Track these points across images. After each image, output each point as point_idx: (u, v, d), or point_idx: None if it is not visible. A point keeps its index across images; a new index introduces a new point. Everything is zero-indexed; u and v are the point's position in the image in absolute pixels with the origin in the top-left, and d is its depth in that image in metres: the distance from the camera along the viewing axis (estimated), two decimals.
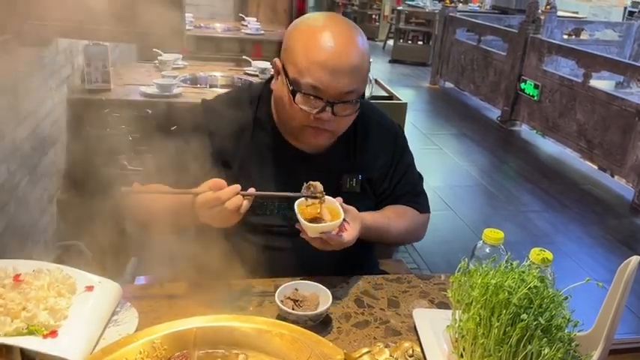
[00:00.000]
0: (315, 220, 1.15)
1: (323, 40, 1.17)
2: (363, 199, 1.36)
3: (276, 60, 1.27)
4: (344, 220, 1.16)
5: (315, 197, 1.16)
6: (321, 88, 1.16)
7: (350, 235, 1.18)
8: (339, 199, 1.19)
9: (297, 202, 1.16)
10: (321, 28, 1.19)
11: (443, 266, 3.08)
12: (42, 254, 1.12)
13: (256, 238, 1.32)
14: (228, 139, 1.29)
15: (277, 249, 1.32)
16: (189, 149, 1.28)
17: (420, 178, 1.51)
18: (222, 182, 1.10)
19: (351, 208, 1.21)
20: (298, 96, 1.18)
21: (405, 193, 1.44)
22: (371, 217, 1.30)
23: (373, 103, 1.52)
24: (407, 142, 1.48)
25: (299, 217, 1.14)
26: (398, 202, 1.43)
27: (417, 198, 1.46)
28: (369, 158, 1.38)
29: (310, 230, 1.13)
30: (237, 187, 1.10)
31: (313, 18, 1.25)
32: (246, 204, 1.10)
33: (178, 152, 1.26)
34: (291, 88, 1.19)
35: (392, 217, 1.38)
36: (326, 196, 1.18)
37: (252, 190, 1.12)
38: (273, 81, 1.29)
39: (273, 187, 1.27)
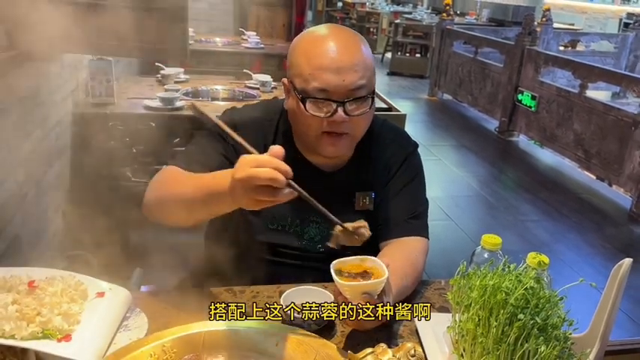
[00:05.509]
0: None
1: (323, 45, 1.18)
2: (377, 217, 1.34)
3: (284, 79, 1.27)
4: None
5: (354, 233, 1.04)
6: (328, 89, 1.16)
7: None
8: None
9: (333, 263, 1.02)
10: (321, 36, 1.21)
11: (443, 275, 3.07)
12: (50, 264, 1.15)
13: (263, 254, 1.33)
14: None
15: (282, 264, 1.34)
16: (209, 161, 1.25)
17: (425, 203, 1.41)
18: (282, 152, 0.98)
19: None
20: (308, 103, 1.17)
21: (402, 209, 1.35)
22: (395, 290, 1.13)
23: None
24: (419, 163, 1.42)
25: (334, 277, 0.99)
26: (392, 218, 1.34)
27: (412, 220, 1.34)
28: (382, 176, 1.36)
29: (350, 291, 0.99)
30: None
31: (312, 30, 1.26)
32: (288, 192, 0.96)
33: (200, 164, 1.23)
34: (300, 97, 1.19)
35: (407, 274, 1.25)
36: (368, 256, 1.06)
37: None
38: (285, 101, 1.30)
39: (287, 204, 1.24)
